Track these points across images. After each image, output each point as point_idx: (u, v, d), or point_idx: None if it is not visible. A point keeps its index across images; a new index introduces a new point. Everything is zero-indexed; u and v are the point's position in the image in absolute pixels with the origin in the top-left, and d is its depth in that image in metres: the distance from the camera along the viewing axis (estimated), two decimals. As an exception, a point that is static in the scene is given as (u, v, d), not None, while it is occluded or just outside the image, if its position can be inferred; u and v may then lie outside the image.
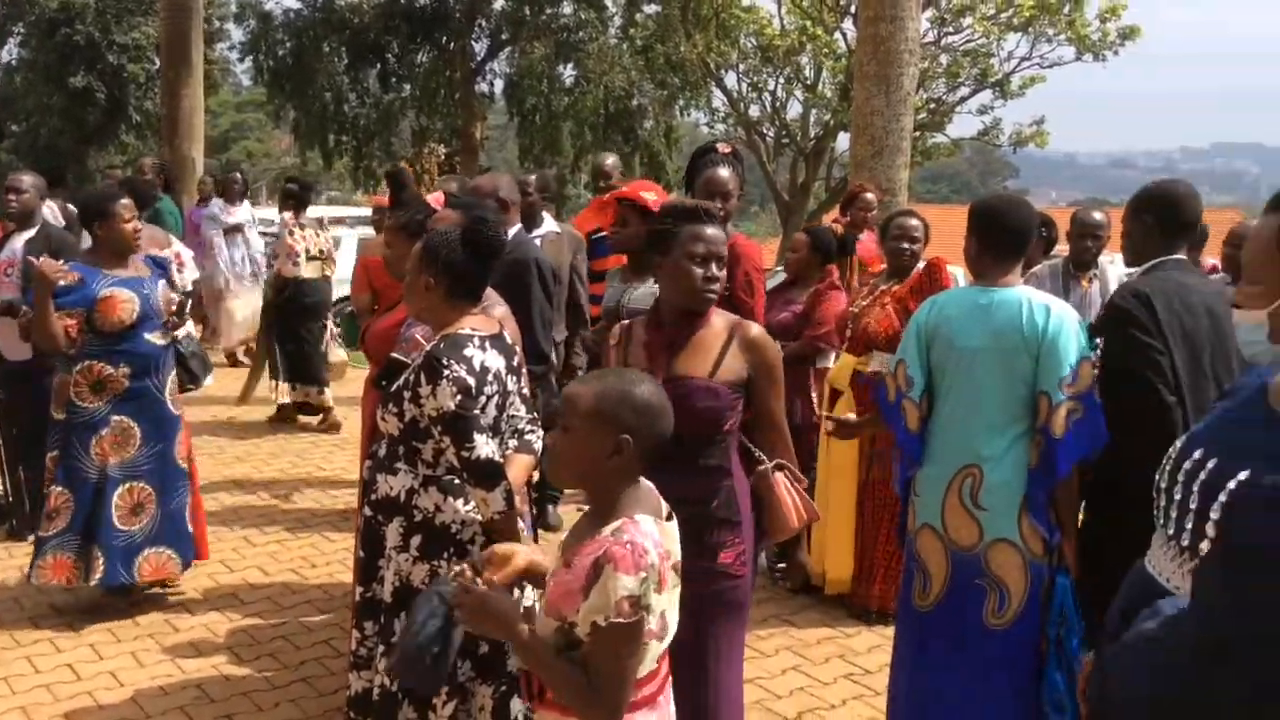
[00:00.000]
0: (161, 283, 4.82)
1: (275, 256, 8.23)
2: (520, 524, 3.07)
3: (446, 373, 2.86)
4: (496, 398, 3.02)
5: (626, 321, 3.11)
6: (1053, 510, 3.20)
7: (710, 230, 2.90)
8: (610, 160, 6.86)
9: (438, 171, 22.53)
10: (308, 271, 8.10)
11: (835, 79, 20.90)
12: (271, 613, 4.93)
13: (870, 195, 6.74)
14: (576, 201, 24.15)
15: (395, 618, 3.00)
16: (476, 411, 2.91)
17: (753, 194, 36.26)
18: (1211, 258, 6.83)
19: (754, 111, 22.46)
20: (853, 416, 4.15)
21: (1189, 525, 1.66)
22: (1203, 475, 1.66)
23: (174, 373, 4.87)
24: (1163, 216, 3.38)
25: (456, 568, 2.26)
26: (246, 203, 10.59)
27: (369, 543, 3.17)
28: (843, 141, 20.01)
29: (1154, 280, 3.31)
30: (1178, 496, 1.71)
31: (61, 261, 4.63)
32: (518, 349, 3.25)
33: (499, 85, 25.26)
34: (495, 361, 3.01)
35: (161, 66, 14.79)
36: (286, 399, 8.34)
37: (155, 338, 4.73)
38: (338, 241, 14.84)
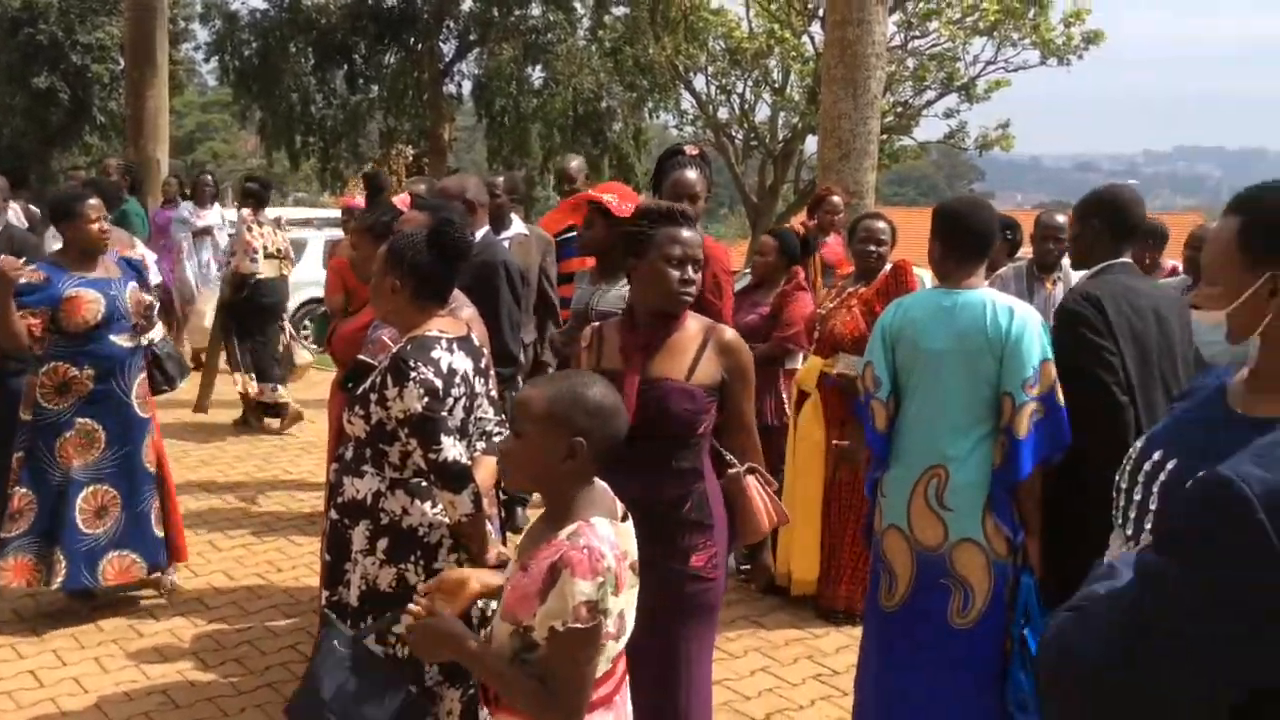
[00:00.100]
0: (131, 284, 4.77)
1: (233, 253, 8.17)
2: (488, 526, 3.07)
3: (413, 375, 2.86)
4: (464, 400, 3.01)
5: (597, 324, 3.11)
6: (1016, 510, 3.24)
7: (687, 233, 2.91)
8: (575, 163, 6.83)
9: (405, 173, 22.46)
10: (265, 270, 8.07)
11: (803, 82, 20.97)
12: (237, 617, 4.89)
13: (837, 198, 6.76)
14: (545, 203, 24.12)
15: (362, 621, 2.99)
16: (444, 414, 2.91)
17: (721, 196, 36.36)
18: (1173, 259, 6.92)
19: (722, 114, 22.52)
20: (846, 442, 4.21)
21: (1148, 526, 1.68)
22: (1162, 476, 1.68)
23: (143, 375, 4.83)
24: (1111, 221, 3.47)
25: (403, 615, 2.27)
26: (217, 205, 10.52)
27: (335, 546, 3.15)
28: (811, 144, 20.11)
29: (1103, 283, 3.40)
30: (1137, 497, 1.73)
31: (22, 261, 4.58)
32: (485, 351, 3.24)
33: (467, 86, 25.21)
34: (463, 363, 3.00)
35: (126, 67, 14.63)
36: (254, 388, 8.25)
37: (122, 340, 4.69)
38: (304, 243, 14.92)
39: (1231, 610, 1.17)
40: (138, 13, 13.06)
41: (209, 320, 10.05)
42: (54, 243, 5.77)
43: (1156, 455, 1.73)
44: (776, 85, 21.92)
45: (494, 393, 3.26)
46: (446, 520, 2.99)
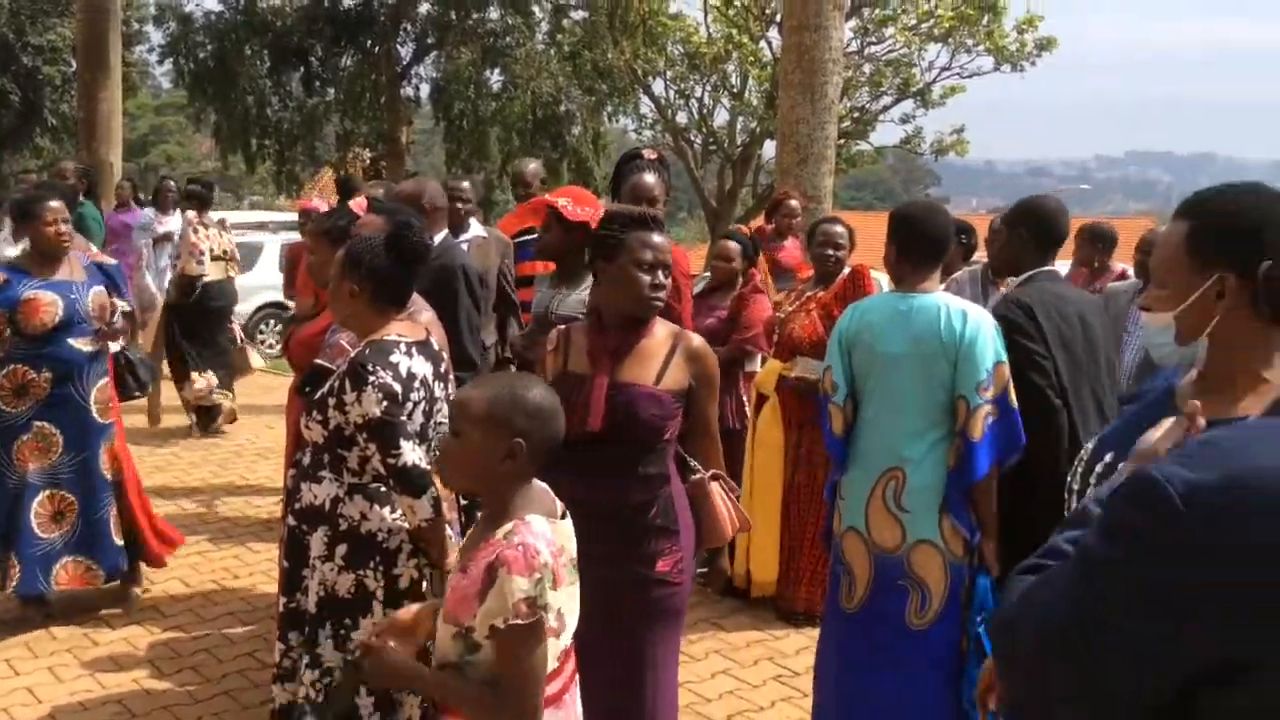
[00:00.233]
0: (96, 289, 4.72)
1: (178, 256, 8.09)
2: (448, 531, 3.06)
3: (372, 379, 2.84)
4: (423, 404, 3.00)
5: (565, 326, 3.11)
6: (972, 511, 3.28)
7: (658, 238, 2.92)
8: (532, 167, 6.77)
9: (364, 176, 22.31)
10: (212, 272, 8.00)
11: (761, 87, 21.07)
12: (193, 625, 4.84)
13: (795, 202, 6.81)
14: (504, 206, 24.04)
15: (320, 628, 2.97)
16: (403, 418, 2.89)
17: (680, 200, 36.44)
18: (1122, 263, 7.03)
19: (681, 118, 22.56)
20: None
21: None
22: (1113, 478, 1.71)
23: (104, 381, 4.78)
24: (1037, 230, 3.59)
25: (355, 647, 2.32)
26: (178, 212, 10.40)
27: (293, 552, 3.13)
28: (769, 149, 20.17)
29: (1032, 291, 3.52)
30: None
31: None
32: (445, 355, 3.23)
33: (425, 90, 25.04)
34: (422, 368, 2.99)
35: (78, 69, 14.41)
36: (203, 384, 8.17)
37: (80, 343, 4.64)
38: (260, 247, 14.79)
39: (1159, 608, 1.19)
40: (90, 14, 12.89)
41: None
42: (3, 246, 5.69)
43: (1108, 457, 1.76)
44: (735, 90, 22.01)
45: (454, 396, 3.25)
46: (406, 525, 2.97)
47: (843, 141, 18.61)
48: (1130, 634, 1.22)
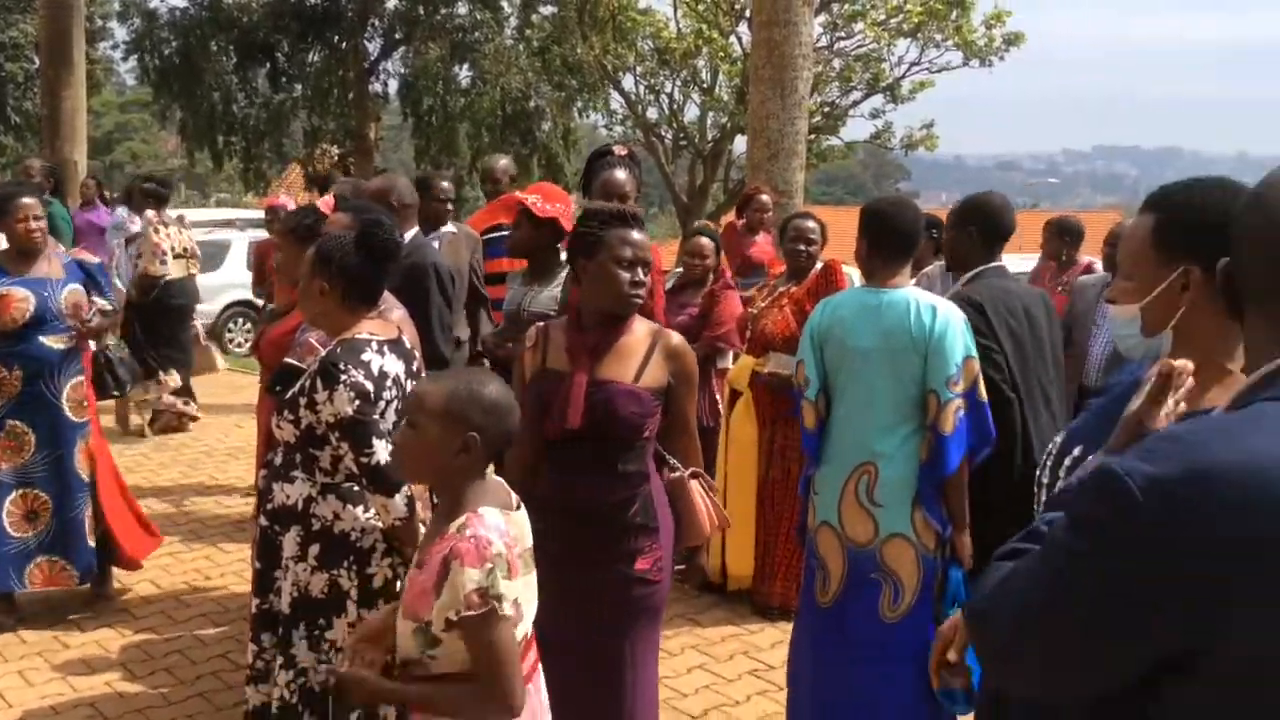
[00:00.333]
0: (71, 286, 4.69)
1: (139, 256, 8.01)
2: (422, 530, 3.05)
3: (344, 378, 2.83)
4: (396, 403, 2.98)
5: (543, 324, 3.11)
6: (944, 504, 3.31)
7: (637, 235, 2.92)
8: (502, 163, 6.68)
9: (317, 171, 22.16)
10: (173, 270, 7.92)
11: (731, 82, 21.11)
12: (165, 627, 4.81)
13: (765, 197, 6.83)
14: (474, 203, 23.95)
15: (294, 629, 2.95)
16: (375, 417, 2.88)
17: (652, 196, 36.42)
18: (1089, 255, 7.10)
19: (652, 114, 22.57)
20: None
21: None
22: (1080, 471, 1.73)
23: (79, 379, 4.74)
24: (985, 227, 3.68)
25: (327, 668, 2.33)
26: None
27: (265, 553, 3.11)
28: (740, 144, 20.21)
29: (981, 287, 3.61)
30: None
31: None
32: (417, 353, 3.22)
33: (393, 85, 24.92)
34: (394, 366, 2.98)
35: (41, 66, 14.24)
36: (175, 382, 8.12)
37: (52, 341, 4.61)
38: (227, 245, 14.68)
39: (1122, 600, 1.21)
40: (53, 10, 12.75)
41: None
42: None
43: (1076, 450, 1.78)
44: (705, 85, 22.03)
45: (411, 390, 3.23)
46: (380, 525, 2.96)
47: (813, 136, 18.67)
48: (1097, 624, 1.23)
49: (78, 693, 4.19)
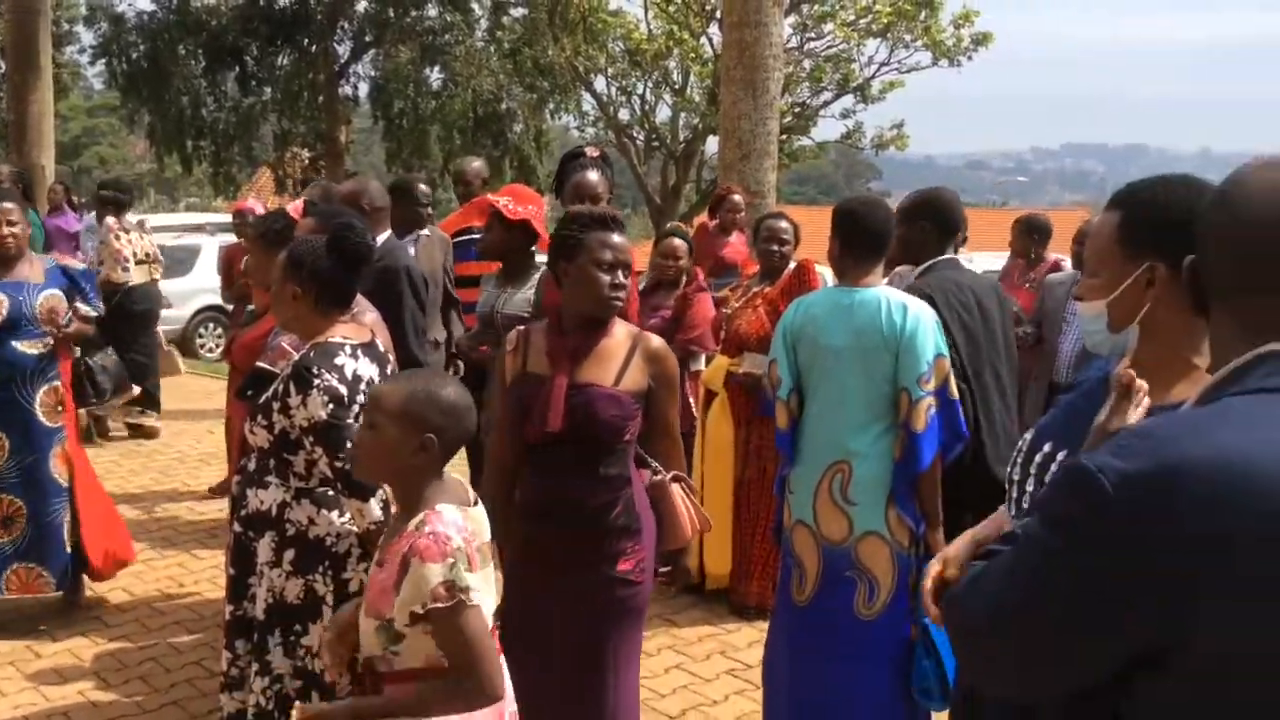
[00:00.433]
0: (48, 292, 4.65)
1: (101, 263, 7.93)
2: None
3: (317, 382, 2.82)
4: (370, 407, 2.98)
5: (524, 327, 3.10)
6: (917, 502, 3.33)
7: (617, 238, 2.92)
8: (475, 165, 6.61)
9: (301, 175, 22.03)
10: (135, 276, 7.85)
11: (703, 83, 21.15)
12: (139, 635, 4.77)
13: (738, 197, 6.84)
14: (447, 206, 23.87)
15: (269, 635, 2.94)
16: (350, 420, 2.87)
17: (624, 197, 36.36)
18: (1058, 254, 7.17)
19: (624, 115, 22.61)
20: None
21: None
22: (1053, 467, 1.75)
23: (53, 385, 4.70)
24: (938, 221, 3.75)
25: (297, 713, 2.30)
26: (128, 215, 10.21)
27: (239, 560, 3.10)
28: (712, 144, 20.27)
29: (933, 280, 3.66)
30: (1030, 489, 1.79)
31: None
32: (391, 356, 3.21)
33: (364, 88, 24.78)
34: (368, 370, 2.97)
35: (7, 70, 14.09)
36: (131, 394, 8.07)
37: (25, 346, 4.57)
38: (197, 249, 14.58)
39: (1095, 596, 1.22)
40: (19, 15, 12.60)
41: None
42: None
43: (1047, 447, 1.79)
44: (676, 86, 22.08)
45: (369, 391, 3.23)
46: (355, 529, 2.95)
47: (785, 137, 18.75)
48: (1071, 621, 1.25)
49: (50, 702, 4.15)
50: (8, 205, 4.59)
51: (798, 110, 20.89)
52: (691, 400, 5.39)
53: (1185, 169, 1.86)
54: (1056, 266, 6.74)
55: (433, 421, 2.19)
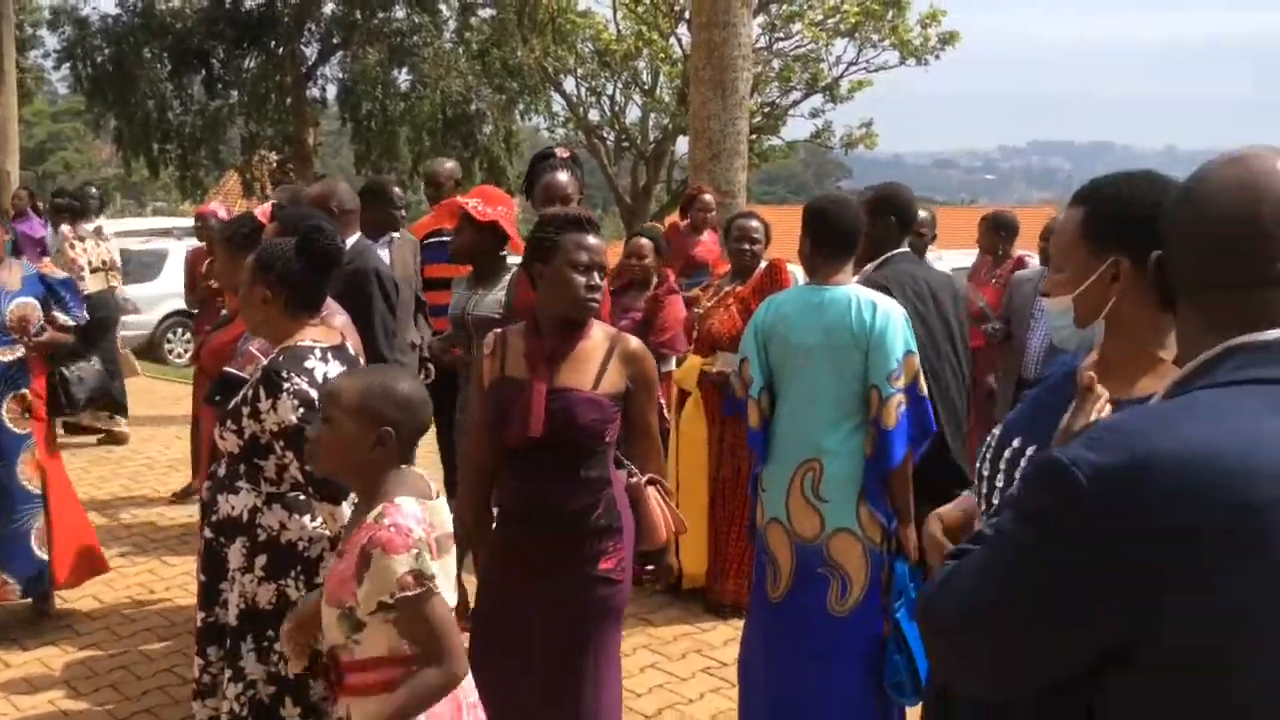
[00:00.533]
0: (20, 300, 4.62)
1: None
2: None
3: (287, 386, 2.80)
4: (340, 410, 2.96)
5: (501, 330, 3.09)
6: (889, 498, 3.35)
7: (593, 239, 2.92)
8: (448, 166, 6.56)
9: (269, 179, 21.87)
10: (92, 284, 7.76)
11: (672, 84, 21.17)
12: (110, 643, 4.73)
13: (709, 196, 6.86)
14: (417, 208, 23.78)
15: (242, 641, 2.91)
16: (320, 424, 2.86)
17: (595, 198, 36.33)
18: (1023, 250, 7.24)
19: (593, 116, 22.60)
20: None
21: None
22: (1023, 462, 1.76)
23: (21, 391, 4.65)
24: (900, 216, 3.96)
25: None
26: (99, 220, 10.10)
27: (210, 566, 3.07)
28: (682, 145, 20.31)
29: (890, 272, 3.81)
30: (1000, 484, 1.80)
31: None
32: (361, 360, 3.20)
33: (332, 90, 24.63)
34: (338, 373, 2.96)
35: (-32, 75, 13.93)
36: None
37: None
38: (165, 254, 14.44)
39: (1068, 590, 1.23)
40: (-20, 18, 12.49)
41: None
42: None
43: (1016, 442, 1.81)
44: (646, 87, 22.10)
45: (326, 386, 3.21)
46: (327, 533, 2.94)
47: (754, 136, 18.79)
48: (1043, 615, 1.25)
49: (21, 712, 4.11)
50: None
51: (767, 110, 20.95)
52: (663, 401, 5.39)
53: (1151, 166, 1.88)
54: (1021, 263, 6.80)
55: (389, 415, 2.23)
